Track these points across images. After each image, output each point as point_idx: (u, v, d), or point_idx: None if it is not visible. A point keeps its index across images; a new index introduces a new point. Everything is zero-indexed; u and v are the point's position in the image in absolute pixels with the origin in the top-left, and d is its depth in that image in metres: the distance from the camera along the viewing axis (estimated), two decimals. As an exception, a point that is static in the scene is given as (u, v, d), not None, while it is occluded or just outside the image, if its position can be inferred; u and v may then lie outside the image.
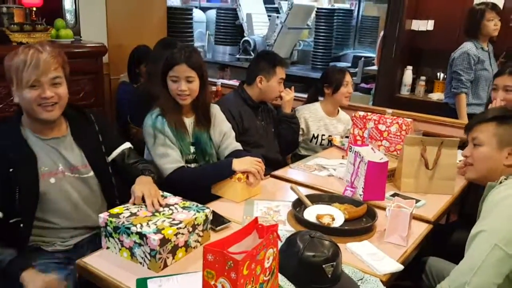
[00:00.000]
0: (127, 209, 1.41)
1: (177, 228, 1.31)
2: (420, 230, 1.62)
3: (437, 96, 3.73)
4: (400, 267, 1.36)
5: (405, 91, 3.85)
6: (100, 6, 3.14)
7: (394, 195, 1.84)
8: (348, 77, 2.68)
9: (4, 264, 1.38)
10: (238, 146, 2.07)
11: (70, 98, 2.41)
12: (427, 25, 3.67)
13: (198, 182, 1.85)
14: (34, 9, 2.28)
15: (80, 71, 2.46)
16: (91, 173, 1.63)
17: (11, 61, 1.47)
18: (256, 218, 1.14)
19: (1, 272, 1.38)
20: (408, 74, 3.82)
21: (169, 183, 1.78)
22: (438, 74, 3.85)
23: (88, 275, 1.31)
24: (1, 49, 2.12)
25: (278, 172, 2.13)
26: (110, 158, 1.71)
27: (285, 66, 2.50)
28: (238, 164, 1.80)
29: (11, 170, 1.46)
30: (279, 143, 2.54)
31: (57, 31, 2.44)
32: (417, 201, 1.80)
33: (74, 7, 2.58)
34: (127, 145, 1.77)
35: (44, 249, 1.56)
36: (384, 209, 1.64)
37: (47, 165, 1.53)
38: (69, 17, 2.57)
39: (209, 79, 1.96)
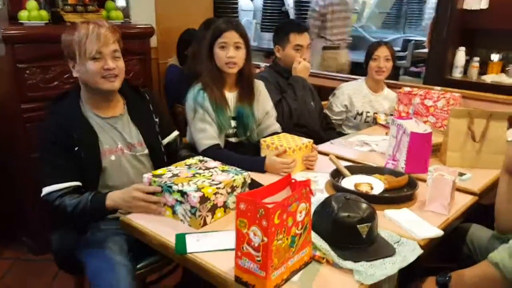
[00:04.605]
0: (170, 171, 1.47)
1: (217, 188, 1.35)
2: (465, 200, 1.56)
3: (491, 78, 3.54)
4: (440, 232, 1.32)
5: (457, 73, 3.67)
6: (149, -11, 3.24)
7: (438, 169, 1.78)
8: (380, 51, 2.58)
9: (88, 200, 1.47)
10: (278, 128, 2.09)
11: (120, 78, 2.59)
12: (481, 3, 3.49)
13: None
14: (87, -9, 2.41)
15: (129, 51, 2.57)
16: (146, 151, 1.70)
17: (72, 36, 1.53)
18: (289, 174, 1.15)
19: (89, 208, 1.47)
20: (461, 56, 3.63)
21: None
22: (493, 55, 3.65)
23: (131, 230, 1.38)
24: (56, 28, 2.27)
25: (317, 147, 2.11)
26: (165, 142, 1.80)
27: (301, 32, 2.37)
28: (269, 168, 1.78)
29: (76, 148, 1.53)
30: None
31: (107, 12, 2.55)
32: (463, 174, 1.74)
33: (124, -10, 2.70)
34: (177, 132, 1.86)
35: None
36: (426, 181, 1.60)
37: (107, 143, 1.61)
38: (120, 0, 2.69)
39: (254, 62, 1.98)
